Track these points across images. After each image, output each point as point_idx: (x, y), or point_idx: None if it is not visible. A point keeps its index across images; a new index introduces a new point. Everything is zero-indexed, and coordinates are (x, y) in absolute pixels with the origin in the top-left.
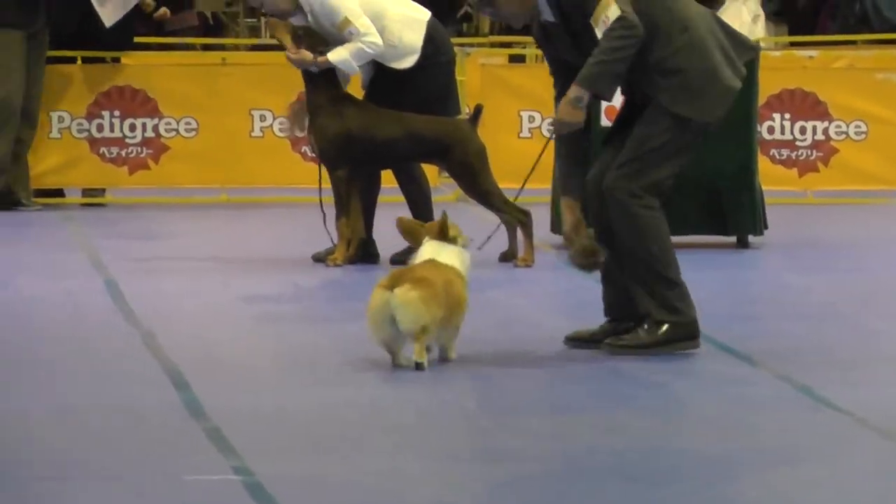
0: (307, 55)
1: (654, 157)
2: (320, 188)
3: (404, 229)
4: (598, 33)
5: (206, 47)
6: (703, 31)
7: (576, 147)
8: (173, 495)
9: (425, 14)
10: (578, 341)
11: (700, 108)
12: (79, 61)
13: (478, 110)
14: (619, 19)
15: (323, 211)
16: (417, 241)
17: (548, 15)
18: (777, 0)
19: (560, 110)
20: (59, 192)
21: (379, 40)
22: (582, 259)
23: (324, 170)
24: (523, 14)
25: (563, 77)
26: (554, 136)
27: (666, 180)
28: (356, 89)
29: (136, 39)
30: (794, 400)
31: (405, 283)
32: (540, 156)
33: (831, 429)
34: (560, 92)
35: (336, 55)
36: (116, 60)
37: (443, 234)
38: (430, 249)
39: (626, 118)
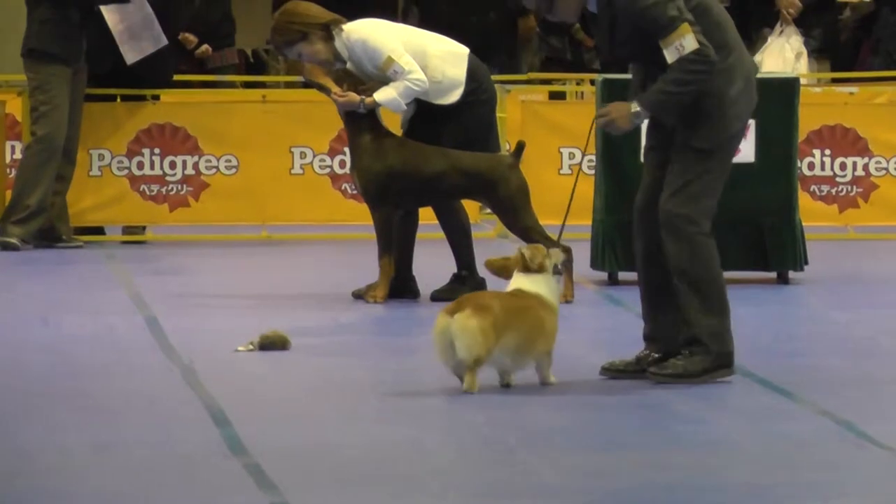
0: (354, 97)
1: (701, 183)
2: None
3: (495, 269)
4: (668, 56)
5: (247, 84)
6: (734, 59)
7: None
8: None
9: (464, 49)
10: (614, 371)
11: (706, 135)
12: (118, 99)
13: (520, 146)
14: (698, 53)
15: None
16: (509, 276)
17: (592, 6)
18: (819, 37)
19: (617, 112)
20: (99, 230)
21: (424, 77)
22: None
23: (350, 205)
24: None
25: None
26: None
27: (715, 205)
28: (395, 127)
29: (178, 77)
30: (836, 435)
31: (466, 308)
32: (573, 191)
33: (874, 464)
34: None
35: (383, 95)
36: (156, 98)
37: (525, 268)
38: (516, 281)
39: (657, 128)
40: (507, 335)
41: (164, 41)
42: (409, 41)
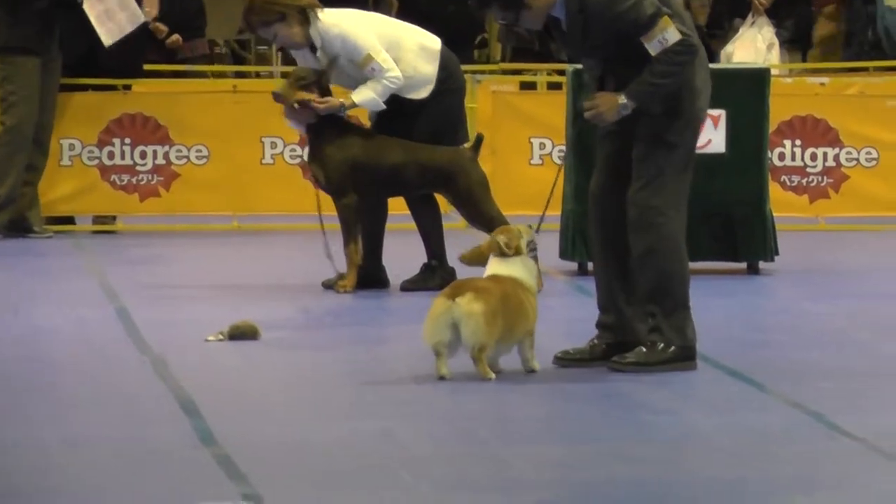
0: (334, 101)
1: (671, 173)
2: (320, 215)
3: (469, 260)
4: (651, 50)
5: (218, 75)
6: (700, 54)
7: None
8: None
9: (437, 43)
10: (567, 360)
11: (677, 128)
12: (90, 89)
13: (479, 139)
14: (681, 43)
15: (325, 237)
16: (485, 262)
17: (557, 11)
18: (791, 28)
19: (603, 105)
20: (69, 220)
21: (400, 74)
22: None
23: (325, 197)
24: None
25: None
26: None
27: (685, 196)
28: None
29: (149, 67)
30: (807, 427)
31: (468, 292)
32: (554, 184)
33: (845, 456)
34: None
35: (362, 96)
36: (128, 88)
37: (501, 253)
38: (494, 265)
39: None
40: (500, 322)
41: (142, 19)
42: (384, 33)
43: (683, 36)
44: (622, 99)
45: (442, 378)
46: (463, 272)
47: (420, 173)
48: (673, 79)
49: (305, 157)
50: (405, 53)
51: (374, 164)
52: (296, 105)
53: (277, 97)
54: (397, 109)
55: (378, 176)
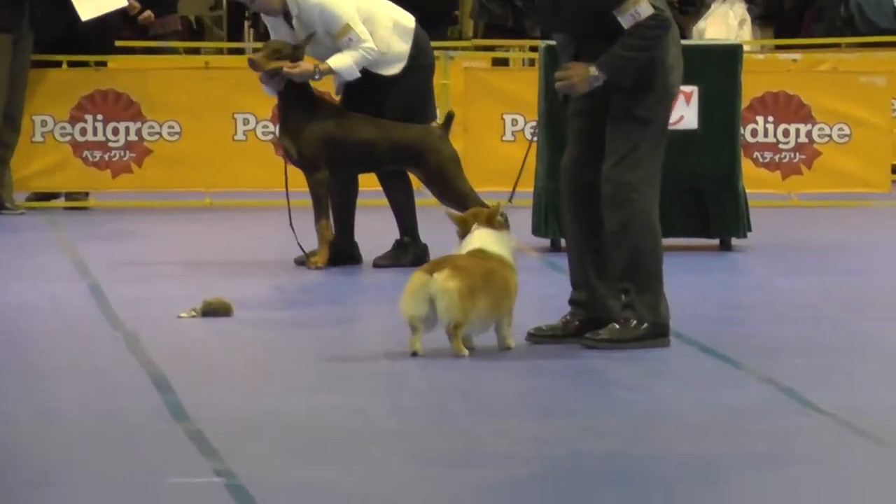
0: (307, 66)
1: (644, 148)
2: (287, 191)
3: (455, 219)
4: (623, 24)
5: (190, 51)
6: (673, 30)
7: None
8: (156, 498)
9: (412, 21)
10: (540, 336)
11: (650, 104)
12: (64, 65)
13: (449, 117)
14: (654, 17)
15: (290, 213)
16: (466, 229)
17: None
18: (762, 4)
19: (576, 77)
20: (52, 197)
21: (375, 46)
22: None
23: (294, 172)
24: None
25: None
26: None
27: (658, 172)
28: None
29: (121, 43)
30: (779, 403)
31: (445, 269)
32: (525, 160)
33: (817, 432)
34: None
35: (338, 62)
36: (101, 64)
37: (491, 222)
38: (478, 238)
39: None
40: (480, 299)
41: (124, 3)
42: (361, 7)
43: (656, 10)
44: (593, 70)
45: (415, 354)
46: (436, 248)
47: (391, 150)
48: (644, 53)
49: (277, 133)
50: (379, 29)
51: (345, 140)
52: (269, 71)
53: (253, 64)
54: (367, 86)
55: (349, 152)
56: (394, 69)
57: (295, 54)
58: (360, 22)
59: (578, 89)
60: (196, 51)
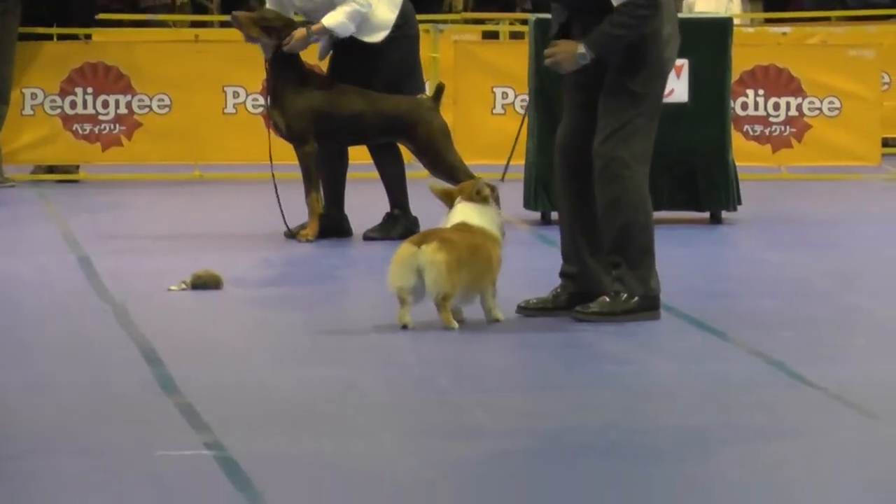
0: (301, 33)
1: (637, 123)
2: (271, 164)
3: (438, 194)
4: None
5: (179, 24)
6: (668, 5)
7: None
8: (145, 470)
9: None
10: (530, 309)
11: (644, 79)
12: (54, 38)
13: (439, 88)
14: None
15: (276, 186)
16: (450, 203)
17: None
18: None
19: (562, 53)
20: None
21: (368, 3)
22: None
23: (284, 146)
24: None
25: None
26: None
27: (650, 148)
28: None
29: (110, 16)
30: (768, 376)
31: (433, 241)
32: (517, 137)
33: (806, 405)
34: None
35: (332, 20)
36: (89, 37)
37: (477, 196)
38: (461, 211)
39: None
40: (464, 272)
41: None
42: None
43: None
44: (581, 48)
45: (405, 327)
46: (426, 222)
47: (381, 122)
48: (632, 31)
49: (266, 106)
50: None
51: (335, 113)
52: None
53: (235, 20)
54: (353, 55)
55: (339, 124)
56: (377, 36)
57: (284, 31)
58: None
59: (566, 67)
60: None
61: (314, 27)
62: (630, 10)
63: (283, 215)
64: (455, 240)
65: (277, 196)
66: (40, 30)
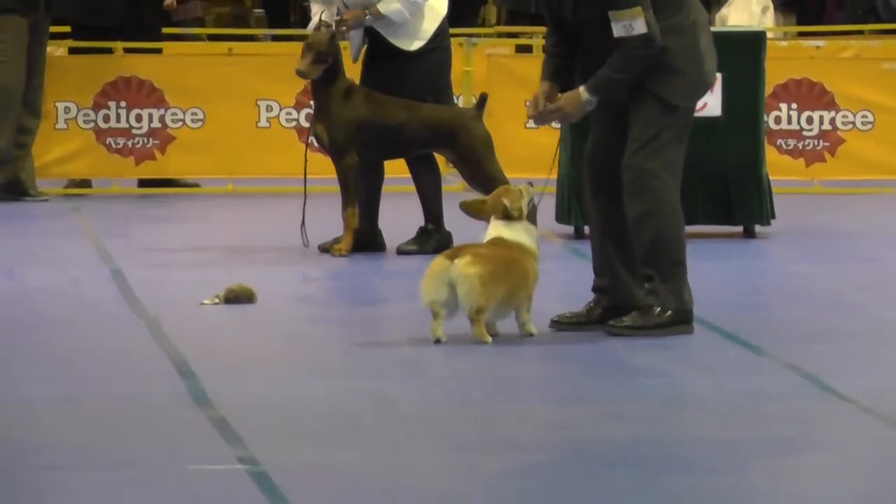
0: (358, 13)
1: (667, 135)
2: (305, 177)
3: (469, 211)
4: (615, 31)
5: (213, 37)
6: (696, 14)
7: None
8: (178, 484)
9: (445, 9)
10: (564, 324)
11: (681, 91)
12: (88, 52)
13: (483, 98)
14: (643, 38)
15: (305, 199)
16: (484, 218)
17: None
18: None
19: (568, 105)
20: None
21: (420, 4)
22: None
23: (316, 160)
24: None
25: (559, 36)
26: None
27: (681, 160)
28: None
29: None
30: (801, 389)
31: (467, 255)
32: (556, 153)
33: (839, 418)
34: (553, 54)
35: (388, 6)
36: (160, 51)
37: (507, 216)
38: (494, 229)
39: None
40: (500, 286)
41: None
42: None
43: (649, 31)
44: (585, 94)
45: (437, 341)
46: (460, 237)
47: (424, 132)
48: (631, 72)
49: (310, 120)
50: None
51: (378, 124)
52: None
53: (301, 74)
54: (386, 61)
55: (382, 135)
56: (414, 45)
57: (334, 48)
58: None
59: (574, 117)
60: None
61: (371, 9)
62: (628, 51)
63: (303, 228)
64: (489, 254)
65: (304, 210)
66: (76, 43)
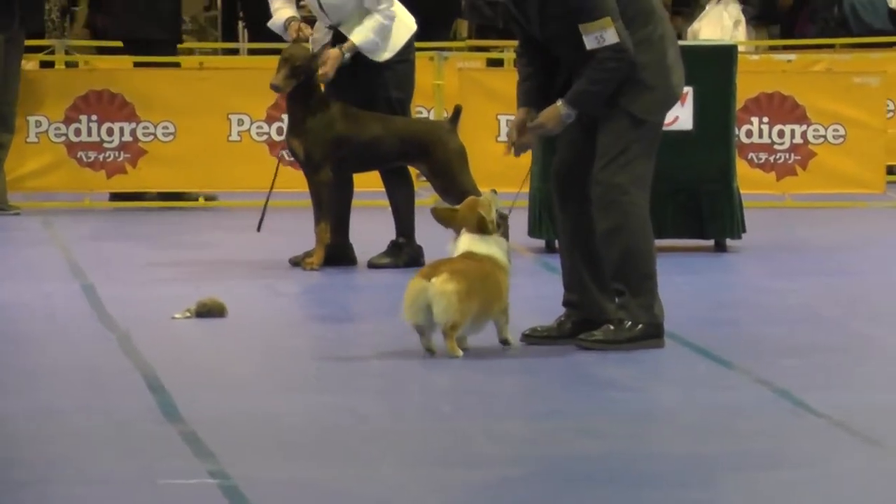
0: (336, 53)
1: (636, 150)
2: (270, 192)
3: (439, 217)
4: (587, 43)
5: (184, 52)
6: (663, 28)
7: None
8: (150, 499)
9: (413, 24)
10: (535, 338)
11: (649, 105)
12: (58, 66)
13: (457, 111)
14: (614, 49)
15: (264, 212)
16: (455, 229)
17: None
18: (757, 5)
19: (548, 121)
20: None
21: (394, 12)
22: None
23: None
24: None
25: (530, 54)
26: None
27: (650, 174)
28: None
29: (114, 44)
30: (773, 404)
31: (443, 273)
32: (529, 172)
33: (810, 432)
34: (526, 76)
35: (360, 37)
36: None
37: (481, 229)
38: (466, 242)
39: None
40: (474, 302)
41: None
42: None
43: (620, 41)
44: (563, 108)
45: (430, 353)
46: (430, 250)
47: (399, 145)
48: (607, 84)
49: (285, 134)
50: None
51: (355, 138)
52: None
53: (276, 88)
54: (354, 71)
55: (358, 149)
56: (383, 56)
57: (311, 64)
58: None
59: (552, 130)
60: (190, 51)
61: (345, 46)
62: (601, 63)
63: (262, 217)
64: (464, 269)
65: (267, 202)
66: (48, 57)
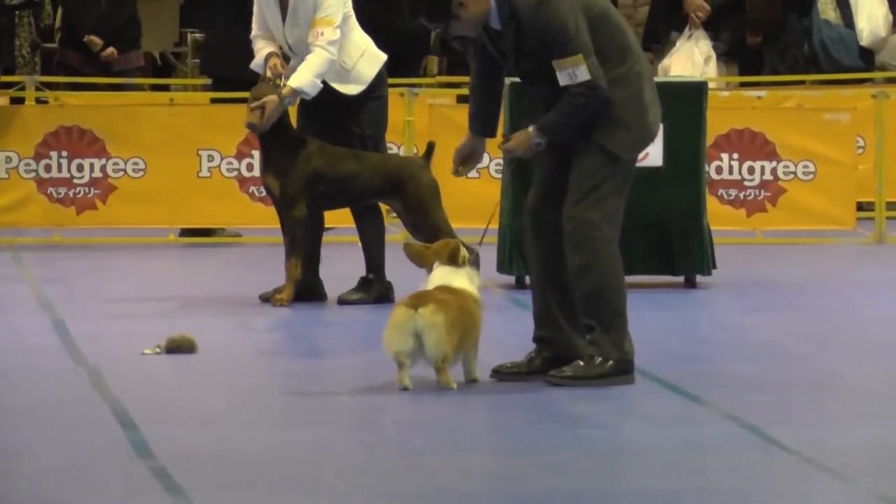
0: (273, 100)
1: (609, 187)
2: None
3: (412, 253)
4: (560, 79)
5: (154, 87)
6: (640, 66)
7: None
8: None
9: (383, 56)
10: (504, 374)
11: (625, 142)
12: (28, 101)
13: (430, 147)
14: (586, 85)
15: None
16: (426, 265)
17: (495, 23)
18: (728, 41)
19: (518, 144)
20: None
21: (336, 55)
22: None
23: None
24: (475, 31)
25: (485, 85)
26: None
27: (621, 211)
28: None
29: (85, 80)
30: (744, 440)
31: (430, 303)
32: (498, 205)
33: (780, 469)
34: (477, 110)
35: (299, 80)
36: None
37: (453, 260)
38: (440, 275)
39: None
40: (457, 334)
41: None
42: (348, 15)
43: (592, 77)
44: (534, 136)
45: (405, 389)
46: (400, 287)
47: (373, 181)
48: (575, 117)
49: (259, 170)
50: (351, 46)
51: (330, 175)
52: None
53: (252, 127)
54: (327, 105)
55: (334, 186)
56: (352, 89)
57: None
58: (338, 27)
59: (522, 155)
60: (164, 87)
61: (284, 91)
62: (574, 98)
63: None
64: (448, 300)
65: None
66: (18, 93)
